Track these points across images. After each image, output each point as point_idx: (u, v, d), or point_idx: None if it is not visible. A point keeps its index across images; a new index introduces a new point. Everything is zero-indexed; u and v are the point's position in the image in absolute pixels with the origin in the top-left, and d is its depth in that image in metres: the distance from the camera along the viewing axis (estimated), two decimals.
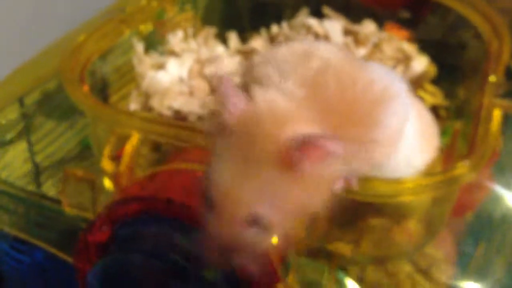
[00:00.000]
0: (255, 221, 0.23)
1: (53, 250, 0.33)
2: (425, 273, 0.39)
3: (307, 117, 0.24)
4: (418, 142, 0.31)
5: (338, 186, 0.27)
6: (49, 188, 0.43)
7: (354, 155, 0.26)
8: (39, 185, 0.42)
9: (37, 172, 0.42)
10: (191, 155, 0.31)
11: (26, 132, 0.40)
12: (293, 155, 0.23)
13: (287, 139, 0.23)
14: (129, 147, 0.30)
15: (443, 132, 0.46)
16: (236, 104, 0.24)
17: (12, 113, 0.38)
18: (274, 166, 0.23)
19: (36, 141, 0.41)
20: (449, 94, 0.48)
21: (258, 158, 0.23)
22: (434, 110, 0.46)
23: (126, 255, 0.27)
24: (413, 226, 0.38)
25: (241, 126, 0.23)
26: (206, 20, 0.53)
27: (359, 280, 0.37)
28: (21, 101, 0.38)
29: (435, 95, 0.47)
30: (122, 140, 0.30)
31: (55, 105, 0.40)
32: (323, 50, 0.28)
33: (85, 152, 0.43)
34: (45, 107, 0.41)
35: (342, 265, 0.38)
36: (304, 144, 0.22)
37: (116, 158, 0.30)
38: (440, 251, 0.42)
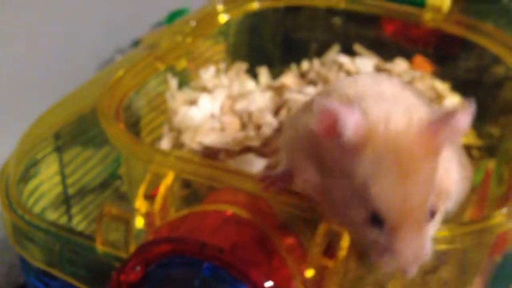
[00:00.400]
0: (432, 215, 0.25)
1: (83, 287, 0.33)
2: None
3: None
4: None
5: None
6: (80, 220, 0.43)
7: None
8: (70, 217, 0.43)
9: (68, 205, 0.42)
10: (223, 195, 0.31)
11: (60, 165, 0.41)
12: (436, 136, 0.24)
13: (423, 128, 0.24)
14: (163, 187, 0.30)
15: (476, 172, 0.46)
16: (355, 119, 0.24)
17: (48, 147, 0.39)
18: (426, 157, 0.24)
19: (69, 174, 0.42)
20: (481, 134, 0.47)
21: (413, 160, 0.24)
22: (467, 149, 0.45)
23: None
24: (447, 274, 0.37)
25: (378, 139, 0.24)
26: (235, 55, 0.54)
27: None
28: (57, 135, 0.39)
29: (467, 135, 0.47)
30: (156, 179, 0.31)
31: (88, 138, 0.41)
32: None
33: (109, 180, 0.43)
34: (78, 140, 0.41)
35: None
36: (442, 122, 0.24)
37: (150, 197, 0.30)
38: None
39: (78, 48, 0.71)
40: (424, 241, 0.25)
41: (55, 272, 0.33)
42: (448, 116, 0.24)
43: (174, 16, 0.78)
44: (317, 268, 0.28)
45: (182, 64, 0.44)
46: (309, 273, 0.28)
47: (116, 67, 0.40)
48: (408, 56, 0.52)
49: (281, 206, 0.30)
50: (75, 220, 0.43)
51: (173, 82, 0.44)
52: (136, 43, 0.74)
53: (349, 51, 0.53)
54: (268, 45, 0.59)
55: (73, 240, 0.32)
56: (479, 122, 0.48)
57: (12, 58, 0.62)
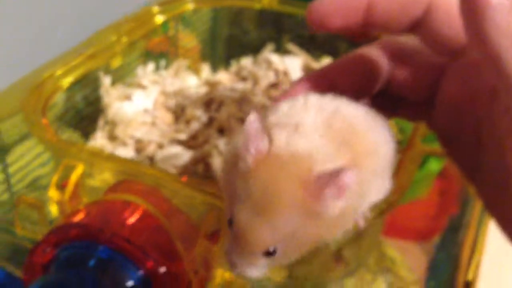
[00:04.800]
0: (267, 253, 0.24)
1: (9, 268, 0.36)
2: None
3: (327, 155, 0.25)
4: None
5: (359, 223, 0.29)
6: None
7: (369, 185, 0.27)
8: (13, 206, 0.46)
9: (10, 193, 0.45)
10: (132, 186, 0.35)
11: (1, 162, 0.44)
12: (315, 195, 0.23)
13: (308, 179, 0.24)
14: (74, 177, 0.33)
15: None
16: (260, 146, 0.24)
17: None
18: (294, 206, 0.23)
19: (12, 162, 0.45)
20: (402, 129, 0.51)
21: (278, 198, 0.23)
22: None
23: (59, 275, 0.31)
24: (347, 254, 0.40)
25: (262, 168, 0.24)
26: (203, 51, 0.56)
27: None
28: None
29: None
30: (69, 170, 0.34)
31: (25, 134, 0.44)
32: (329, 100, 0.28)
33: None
34: (18, 135, 0.44)
35: None
36: (324, 181, 0.23)
37: (62, 187, 0.33)
38: (414, 273, 0.44)
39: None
40: (242, 263, 0.25)
41: None
42: (333, 175, 0.23)
43: None
44: (203, 252, 0.31)
45: (117, 62, 0.47)
46: (197, 256, 0.31)
47: (51, 64, 0.43)
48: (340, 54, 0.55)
49: (180, 198, 0.33)
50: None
51: (106, 80, 0.47)
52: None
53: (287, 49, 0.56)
54: (214, 42, 0.62)
55: None
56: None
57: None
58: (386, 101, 0.32)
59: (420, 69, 0.29)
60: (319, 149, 0.25)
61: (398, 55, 0.30)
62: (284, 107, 0.27)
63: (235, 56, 0.58)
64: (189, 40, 0.58)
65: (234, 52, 0.60)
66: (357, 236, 0.38)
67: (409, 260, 0.46)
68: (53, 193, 0.33)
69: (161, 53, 0.54)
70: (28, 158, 0.44)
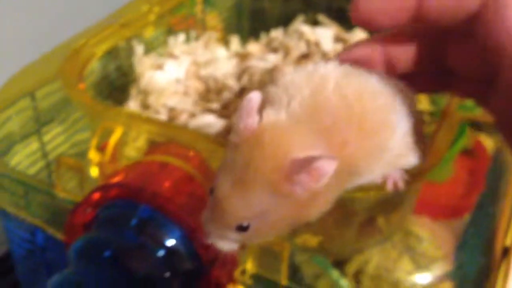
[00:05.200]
0: (242, 229, 0.25)
1: (49, 230, 0.37)
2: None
3: (307, 140, 0.25)
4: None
5: (389, 186, 0.29)
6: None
7: (374, 163, 0.27)
8: (49, 173, 0.47)
9: (46, 161, 0.46)
10: (171, 149, 0.35)
11: (36, 124, 0.44)
12: (289, 176, 0.24)
13: (282, 162, 0.24)
14: (113, 140, 0.34)
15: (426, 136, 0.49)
16: (249, 124, 0.25)
17: (23, 106, 0.43)
18: (267, 186, 0.24)
19: (46, 132, 0.46)
20: (434, 101, 0.50)
21: (254, 175, 0.24)
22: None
23: (101, 233, 0.31)
24: (381, 223, 0.40)
25: (246, 145, 0.25)
26: (225, 23, 0.56)
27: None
28: (32, 96, 0.43)
29: (420, 101, 0.50)
30: (108, 133, 0.34)
31: (62, 100, 0.45)
32: (322, 68, 0.28)
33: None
34: (54, 102, 0.45)
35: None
36: (298, 168, 0.23)
37: (102, 149, 0.34)
38: (440, 250, 0.44)
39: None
40: (215, 233, 0.25)
41: (24, 216, 0.38)
42: (308, 161, 0.23)
43: None
44: None
45: (149, 31, 0.47)
46: None
47: (85, 33, 0.44)
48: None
49: (216, 160, 0.33)
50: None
51: (139, 48, 0.47)
52: None
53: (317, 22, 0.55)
54: (246, 15, 0.62)
55: (37, 186, 0.36)
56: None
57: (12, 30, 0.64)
58: (439, 75, 0.31)
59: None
60: (302, 134, 0.25)
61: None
62: (288, 78, 0.27)
63: (262, 29, 0.58)
64: (215, 14, 0.58)
65: (261, 25, 0.60)
66: (391, 203, 0.38)
67: (436, 237, 0.45)
68: (93, 155, 0.34)
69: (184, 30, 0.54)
70: (65, 124, 0.45)
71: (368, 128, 0.26)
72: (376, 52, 0.28)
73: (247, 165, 0.24)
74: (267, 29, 0.57)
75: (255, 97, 0.25)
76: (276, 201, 0.24)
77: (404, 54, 0.28)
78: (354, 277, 0.42)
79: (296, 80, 0.27)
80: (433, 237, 0.45)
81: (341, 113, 0.26)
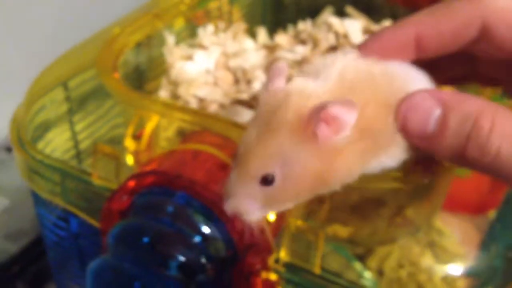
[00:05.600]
0: (265, 180, 0.25)
1: (84, 217, 0.38)
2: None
3: (330, 97, 0.25)
4: None
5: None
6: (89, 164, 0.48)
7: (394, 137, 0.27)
8: (80, 161, 0.48)
9: (77, 150, 0.47)
10: (205, 138, 0.35)
11: (69, 113, 0.45)
12: (310, 122, 0.24)
13: (305, 110, 0.25)
14: (149, 128, 0.34)
15: None
16: (276, 84, 0.26)
17: (57, 96, 0.43)
18: (292, 133, 0.25)
19: (78, 121, 0.46)
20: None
21: (277, 124, 0.25)
22: None
23: (138, 220, 0.32)
24: (411, 213, 0.40)
25: (273, 101, 0.26)
26: (248, 15, 0.57)
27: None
28: (65, 85, 0.43)
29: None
30: (144, 121, 0.35)
31: (94, 89, 0.45)
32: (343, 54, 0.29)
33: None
34: (85, 90, 0.45)
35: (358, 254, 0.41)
36: (321, 111, 0.24)
37: (137, 137, 0.34)
38: (463, 248, 0.44)
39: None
40: (238, 192, 0.25)
41: (59, 202, 0.38)
42: (326, 107, 0.24)
43: None
44: None
45: (180, 22, 0.47)
46: None
47: (118, 23, 0.44)
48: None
49: None
50: (85, 164, 0.48)
51: (171, 39, 0.47)
52: None
53: (345, 13, 0.55)
54: (270, 7, 0.62)
55: (73, 173, 0.37)
56: None
57: (39, 20, 0.66)
58: (466, 62, 0.31)
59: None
60: (326, 93, 0.26)
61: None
62: (319, 60, 0.28)
63: (287, 21, 0.58)
64: (239, 6, 0.59)
65: (286, 16, 0.60)
66: (421, 195, 0.38)
67: (460, 233, 0.45)
68: (129, 143, 0.34)
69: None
70: (98, 112, 0.46)
71: (391, 104, 0.26)
72: (408, 34, 0.28)
73: (272, 117, 0.25)
74: (292, 21, 0.57)
75: (283, 64, 0.27)
76: (299, 149, 0.25)
77: (437, 34, 0.28)
78: (377, 270, 0.42)
79: (323, 62, 0.28)
80: (456, 233, 0.45)
81: (367, 86, 0.26)
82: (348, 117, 0.24)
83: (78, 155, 0.47)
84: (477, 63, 0.30)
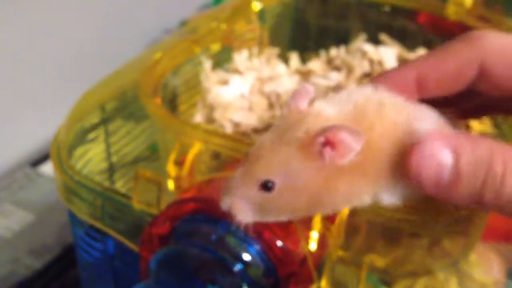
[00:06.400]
0: (265, 186, 0.27)
1: (122, 240, 0.38)
2: None
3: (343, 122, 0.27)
4: None
5: None
6: (121, 185, 0.48)
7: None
8: (113, 182, 0.48)
9: (112, 171, 0.48)
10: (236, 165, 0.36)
11: (105, 134, 0.46)
12: (317, 141, 0.26)
13: (315, 129, 0.26)
14: (191, 155, 0.35)
15: None
16: (299, 104, 0.28)
17: (95, 118, 0.44)
18: (300, 149, 0.26)
19: (113, 143, 0.47)
20: (497, 123, 0.50)
21: (290, 138, 0.26)
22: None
23: (182, 247, 0.32)
24: (449, 245, 0.40)
25: (291, 118, 0.28)
26: (271, 40, 0.58)
27: None
28: (102, 108, 0.44)
29: (482, 122, 0.50)
30: (186, 148, 0.35)
31: (130, 112, 0.46)
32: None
33: (154, 155, 0.48)
34: (122, 113, 0.46)
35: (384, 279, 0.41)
36: (328, 132, 0.25)
37: (179, 163, 0.35)
38: (490, 277, 0.44)
39: (128, 28, 0.76)
40: (238, 191, 0.27)
41: (98, 225, 0.39)
42: (325, 129, 0.26)
43: None
44: (320, 231, 0.32)
45: (216, 47, 0.48)
46: (314, 236, 0.32)
47: (157, 49, 0.45)
48: (433, 47, 0.54)
49: None
50: (118, 185, 0.49)
51: (207, 64, 0.48)
52: (183, 24, 0.79)
53: (377, 40, 0.56)
54: (302, 32, 0.62)
55: (114, 198, 0.37)
56: None
57: (66, 37, 0.68)
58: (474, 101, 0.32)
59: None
60: (339, 118, 0.27)
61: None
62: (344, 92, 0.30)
63: (318, 46, 0.59)
64: (268, 31, 0.59)
65: (317, 42, 0.61)
66: (459, 227, 0.38)
67: (487, 261, 0.45)
68: (171, 169, 0.35)
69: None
70: (131, 130, 0.46)
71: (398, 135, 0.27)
72: (409, 75, 0.29)
73: (287, 131, 0.27)
74: (323, 46, 0.58)
75: (310, 86, 0.29)
76: (303, 165, 0.26)
77: (436, 76, 0.29)
78: None
79: (345, 93, 0.30)
80: (483, 261, 0.45)
81: (375, 116, 0.28)
82: (354, 144, 0.26)
83: (111, 176, 0.48)
84: (485, 98, 0.31)
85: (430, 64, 0.29)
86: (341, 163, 0.26)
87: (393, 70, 0.30)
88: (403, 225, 0.35)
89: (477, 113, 0.34)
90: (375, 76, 0.30)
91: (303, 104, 0.28)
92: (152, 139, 0.49)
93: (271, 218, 0.28)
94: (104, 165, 0.47)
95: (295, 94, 0.28)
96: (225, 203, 0.28)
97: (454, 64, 0.28)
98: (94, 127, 0.45)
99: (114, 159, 0.47)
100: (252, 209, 0.27)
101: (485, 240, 0.46)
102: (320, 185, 0.27)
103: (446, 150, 0.25)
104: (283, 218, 0.28)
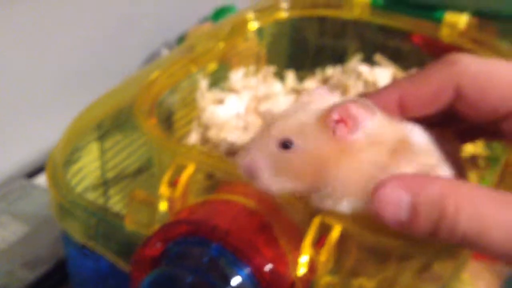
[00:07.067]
0: (284, 144, 0.28)
1: (115, 260, 0.38)
2: None
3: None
4: None
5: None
6: (117, 201, 0.49)
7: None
8: (108, 198, 0.48)
9: (107, 186, 0.48)
10: (237, 188, 0.36)
11: (100, 151, 0.46)
12: (330, 117, 0.28)
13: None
14: (185, 177, 0.35)
15: (481, 181, 0.49)
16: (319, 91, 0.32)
17: (91, 135, 0.44)
18: (317, 119, 0.29)
19: (109, 159, 0.47)
20: (489, 144, 0.50)
21: (310, 110, 0.29)
22: (473, 159, 0.48)
23: (173, 269, 0.32)
24: (440, 269, 0.40)
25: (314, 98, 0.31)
26: (268, 58, 0.58)
27: None
28: (99, 126, 0.45)
29: (475, 144, 0.50)
30: (180, 169, 0.35)
31: (126, 130, 0.46)
32: None
33: (150, 169, 0.48)
34: (118, 130, 0.46)
35: None
36: (340, 107, 0.28)
37: (173, 184, 0.35)
38: None
39: (127, 41, 0.77)
40: (258, 149, 0.29)
41: (91, 244, 0.39)
42: (335, 108, 0.29)
43: (220, 12, 0.84)
44: (309, 256, 0.32)
45: (213, 66, 0.49)
46: (303, 260, 0.32)
47: (154, 67, 0.46)
48: None
49: (283, 200, 0.34)
50: (112, 201, 0.49)
51: (203, 83, 0.49)
52: (182, 38, 0.79)
53: (372, 60, 0.56)
54: (299, 50, 0.63)
55: (107, 218, 0.37)
56: None
57: (63, 50, 0.68)
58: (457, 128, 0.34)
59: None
60: None
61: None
62: None
63: (316, 65, 0.59)
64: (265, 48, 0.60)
65: (312, 59, 0.61)
66: (448, 251, 0.38)
67: (478, 280, 0.45)
68: (164, 190, 0.35)
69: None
70: (126, 151, 0.47)
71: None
72: (392, 97, 0.31)
73: (304, 104, 0.30)
74: (320, 64, 0.58)
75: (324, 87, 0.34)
76: (318, 132, 0.29)
77: (415, 97, 0.31)
78: None
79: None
80: (476, 280, 0.45)
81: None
82: (362, 117, 0.28)
83: (106, 184, 0.48)
84: (469, 121, 0.32)
85: (410, 85, 0.31)
86: (351, 139, 0.28)
87: (377, 92, 0.32)
88: (393, 248, 0.35)
89: (466, 137, 0.36)
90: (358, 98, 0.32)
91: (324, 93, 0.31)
92: (148, 155, 0.49)
93: (285, 183, 0.30)
94: (99, 181, 0.47)
95: (314, 91, 0.32)
96: (245, 161, 0.29)
97: (432, 86, 0.30)
98: (89, 144, 0.45)
99: (110, 175, 0.48)
100: (270, 168, 0.29)
101: (477, 259, 0.46)
102: (329, 156, 0.29)
103: (402, 190, 0.27)
104: (295, 184, 0.30)
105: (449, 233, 0.26)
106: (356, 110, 0.28)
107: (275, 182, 0.30)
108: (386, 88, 0.32)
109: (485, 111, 0.29)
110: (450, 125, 0.33)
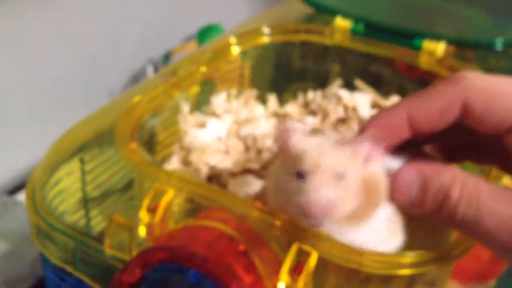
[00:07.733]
0: (339, 176, 0.30)
1: (93, 285, 0.38)
2: None
3: None
4: None
5: None
6: (98, 222, 0.49)
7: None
8: (89, 219, 0.48)
9: (87, 209, 0.48)
10: (216, 214, 0.36)
11: (81, 172, 0.46)
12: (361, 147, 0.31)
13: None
14: (164, 202, 0.35)
15: None
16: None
17: (71, 158, 0.44)
18: (352, 153, 0.31)
19: (90, 181, 0.47)
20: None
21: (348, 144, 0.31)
22: None
23: None
24: None
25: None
26: (254, 80, 0.59)
27: None
28: (80, 148, 0.45)
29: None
30: (160, 194, 0.36)
31: (108, 152, 0.46)
32: None
33: (125, 187, 0.48)
34: (100, 153, 0.46)
35: None
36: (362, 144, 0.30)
37: (152, 210, 0.35)
38: None
39: (112, 58, 0.77)
40: (330, 192, 0.30)
41: (69, 269, 0.39)
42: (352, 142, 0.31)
43: (205, 31, 0.84)
44: (287, 283, 0.32)
45: (195, 90, 0.49)
46: (280, 287, 0.32)
47: (137, 90, 0.46)
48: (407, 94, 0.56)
49: (261, 227, 0.34)
50: (94, 222, 0.49)
51: (186, 107, 0.49)
52: (167, 56, 0.80)
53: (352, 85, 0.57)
54: (282, 73, 0.64)
55: (86, 242, 0.37)
56: None
57: (48, 66, 0.68)
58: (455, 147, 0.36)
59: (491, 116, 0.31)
60: None
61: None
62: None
63: (299, 89, 0.60)
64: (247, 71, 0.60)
65: (298, 84, 0.62)
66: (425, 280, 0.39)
67: None
68: (143, 215, 0.35)
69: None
70: (108, 173, 0.47)
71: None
72: (401, 115, 0.32)
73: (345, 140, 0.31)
74: (303, 88, 0.59)
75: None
76: (353, 163, 0.30)
77: (424, 114, 0.32)
78: None
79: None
80: None
81: None
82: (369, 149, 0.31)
83: (86, 206, 0.48)
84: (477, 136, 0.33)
85: (419, 103, 0.32)
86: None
87: (386, 112, 0.33)
88: (371, 273, 0.35)
89: (462, 156, 0.37)
90: (371, 117, 0.33)
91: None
92: (130, 176, 0.49)
93: (345, 207, 0.30)
94: (81, 202, 0.47)
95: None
96: (318, 198, 0.29)
97: (440, 103, 0.31)
98: (71, 165, 0.45)
99: (92, 195, 0.47)
100: (338, 200, 0.30)
101: (459, 281, 0.47)
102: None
103: (415, 173, 0.31)
104: (351, 205, 0.31)
105: (450, 214, 0.30)
106: (367, 147, 0.31)
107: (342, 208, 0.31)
108: (395, 106, 0.33)
109: (491, 124, 0.31)
110: (455, 141, 0.35)
